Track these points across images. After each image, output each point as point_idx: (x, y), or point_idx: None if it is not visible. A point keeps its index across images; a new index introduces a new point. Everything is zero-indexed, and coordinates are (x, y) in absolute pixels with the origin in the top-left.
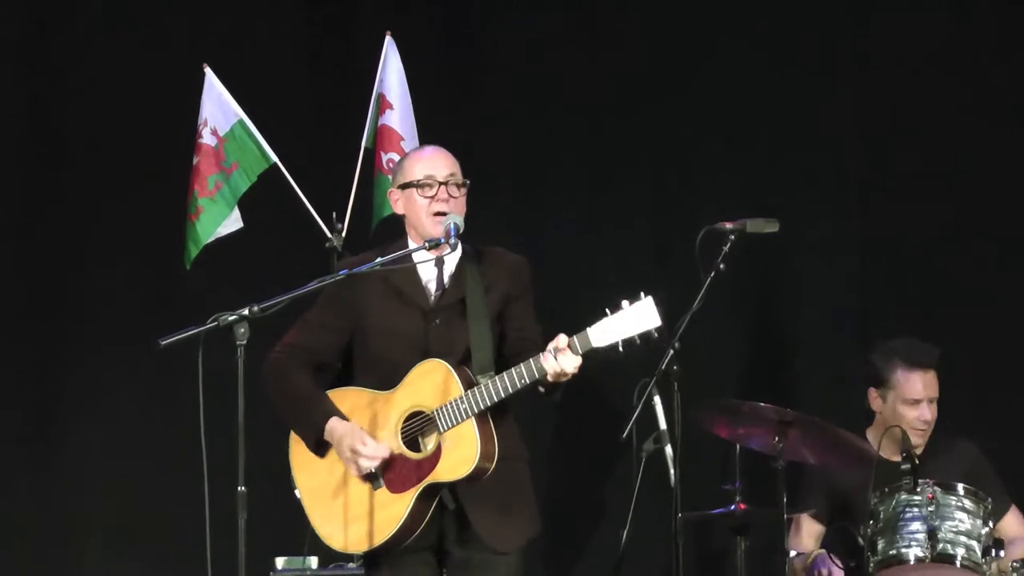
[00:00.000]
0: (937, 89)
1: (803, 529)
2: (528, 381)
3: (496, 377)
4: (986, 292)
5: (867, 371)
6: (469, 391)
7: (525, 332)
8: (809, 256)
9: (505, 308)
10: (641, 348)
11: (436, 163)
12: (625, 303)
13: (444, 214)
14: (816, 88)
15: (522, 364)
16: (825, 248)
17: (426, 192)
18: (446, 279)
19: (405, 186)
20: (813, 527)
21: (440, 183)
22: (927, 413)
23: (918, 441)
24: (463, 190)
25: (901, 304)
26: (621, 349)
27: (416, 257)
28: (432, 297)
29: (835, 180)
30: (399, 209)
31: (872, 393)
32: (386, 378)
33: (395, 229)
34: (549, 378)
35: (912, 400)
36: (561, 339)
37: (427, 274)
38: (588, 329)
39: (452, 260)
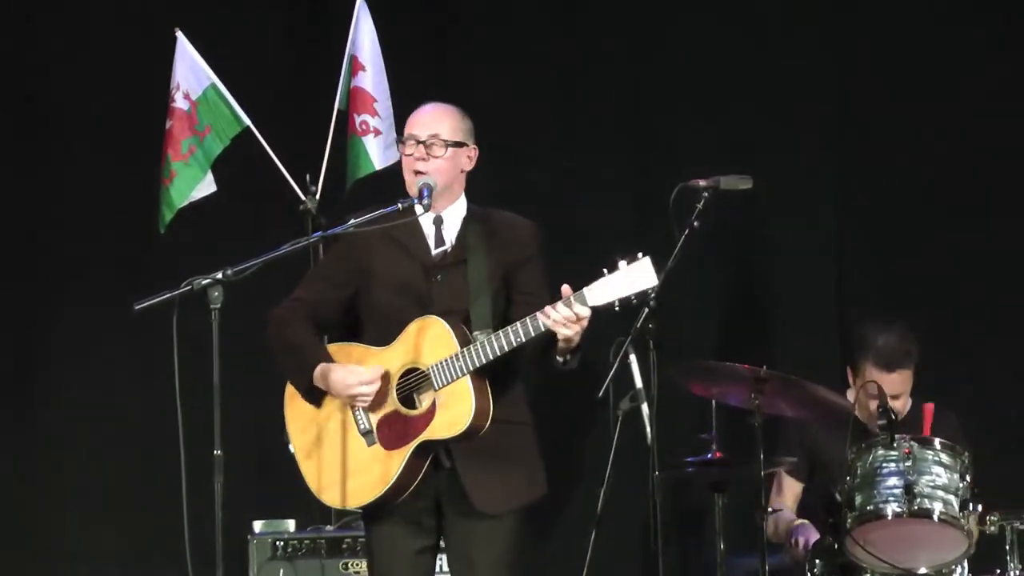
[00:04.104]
0: (921, 46)
1: (784, 488)
2: (524, 338)
3: (493, 335)
4: (965, 251)
5: (846, 346)
6: (465, 348)
7: (533, 297)
8: (785, 213)
9: (511, 273)
10: (633, 306)
11: (421, 121)
12: (623, 263)
13: (422, 173)
14: (795, 46)
15: (518, 322)
16: (801, 205)
17: (407, 150)
18: (448, 237)
19: (398, 142)
20: (794, 486)
21: (419, 142)
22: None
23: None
24: (449, 151)
25: (877, 261)
26: (617, 308)
27: (392, 217)
28: (433, 252)
29: (812, 137)
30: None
31: (848, 369)
32: (388, 333)
33: (369, 190)
34: (559, 337)
35: (876, 396)
36: (565, 288)
37: (428, 230)
38: (585, 289)
39: (453, 218)
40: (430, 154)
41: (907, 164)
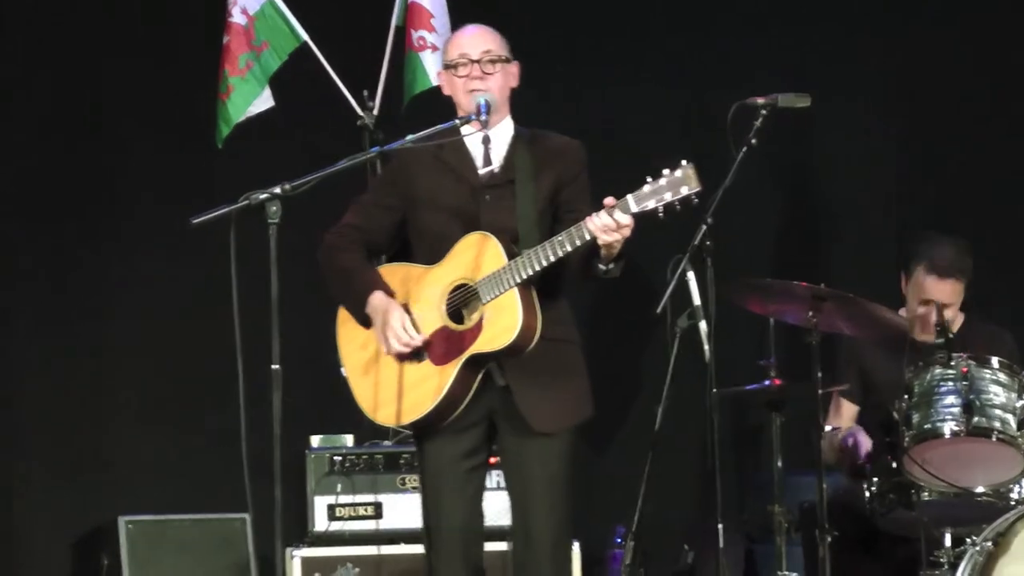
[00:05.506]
0: None
1: (842, 410)
2: (570, 247)
3: (539, 246)
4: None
5: (902, 254)
6: (512, 261)
7: (578, 214)
8: (843, 131)
9: (558, 191)
10: (680, 214)
11: (470, 42)
12: (666, 170)
13: (480, 91)
14: None
15: (563, 232)
16: (859, 122)
17: (460, 72)
18: (495, 157)
19: (446, 67)
20: (850, 408)
21: (473, 61)
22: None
23: (926, 338)
24: (500, 67)
25: (935, 180)
26: (662, 214)
27: (449, 134)
28: (481, 172)
29: (871, 55)
30: (447, 91)
31: (902, 276)
32: (438, 254)
33: (426, 106)
34: (600, 242)
35: (925, 300)
36: (608, 200)
37: (476, 150)
38: (629, 195)
39: (501, 138)
40: (484, 71)
41: (967, 80)
